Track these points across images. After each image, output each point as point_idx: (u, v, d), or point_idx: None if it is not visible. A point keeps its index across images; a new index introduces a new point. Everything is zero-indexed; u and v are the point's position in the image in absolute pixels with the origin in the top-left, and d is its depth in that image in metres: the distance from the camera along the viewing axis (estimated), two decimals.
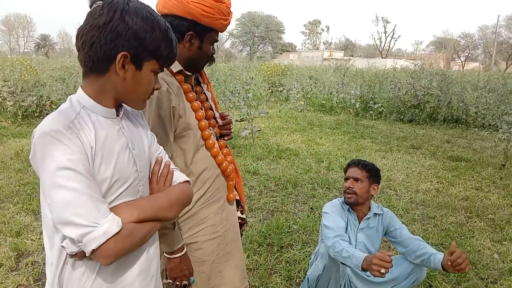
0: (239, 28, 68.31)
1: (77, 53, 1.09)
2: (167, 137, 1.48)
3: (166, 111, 1.45)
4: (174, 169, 1.25)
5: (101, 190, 1.03)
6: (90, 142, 1.01)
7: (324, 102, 12.61)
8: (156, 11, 1.60)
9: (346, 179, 2.54)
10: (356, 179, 2.48)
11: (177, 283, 1.50)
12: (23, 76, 9.92)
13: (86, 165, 0.99)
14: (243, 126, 7.70)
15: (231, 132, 1.86)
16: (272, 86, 15.56)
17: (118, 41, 1.02)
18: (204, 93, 1.69)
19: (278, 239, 3.63)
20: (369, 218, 2.53)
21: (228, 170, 1.70)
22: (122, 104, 1.16)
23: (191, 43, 1.53)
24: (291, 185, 5.12)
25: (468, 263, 2.11)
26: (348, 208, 2.52)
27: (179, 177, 1.24)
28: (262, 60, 30.07)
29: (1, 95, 9.42)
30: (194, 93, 1.60)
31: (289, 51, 64.77)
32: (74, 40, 1.09)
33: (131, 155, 1.12)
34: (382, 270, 1.91)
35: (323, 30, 72.57)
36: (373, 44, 66.14)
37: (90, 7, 1.05)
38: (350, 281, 2.50)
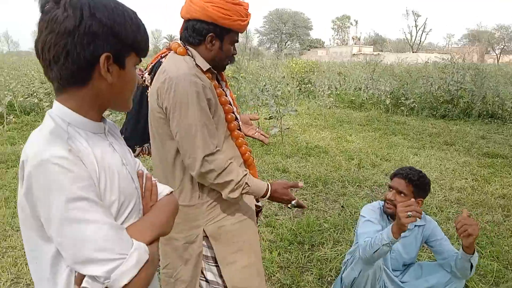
0: (266, 26, 68.27)
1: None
2: (214, 126, 1.62)
3: (205, 103, 1.57)
4: (155, 181, 1.16)
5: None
6: (93, 165, 0.90)
7: (353, 98, 12.45)
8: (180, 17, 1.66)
9: (390, 187, 2.39)
10: (400, 192, 2.33)
11: (288, 206, 1.79)
12: None
13: (96, 191, 0.89)
14: (272, 124, 7.71)
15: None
16: (300, 83, 15.48)
17: (97, 43, 0.89)
18: (223, 90, 1.80)
19: (309, 237, 3.62)
20: (409, 229, 2.42)
21: (250, 159, 1.83)
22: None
23: (212, 44, 1.64)
24: (321, 183, 5.09)
25: (476, 228, 2.01)
26: (388, 216, 2.44)
27: (163, 189, 1.16)
28: (289, 57, 29.95)
29: (38, 96, 9.78)
30: (221, 89, 1.72)
31: (317, 47, 64.27)
32: None
33: (127, 171, 1.03)
34: (409, 213, 1.91)
35: (351, 25, 71.61)
36: (403, 39, 64.79)
37: (42, 10, 0.89)
38: (385, 286, 2.46)
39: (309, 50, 61.82)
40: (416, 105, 10.67)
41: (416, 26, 59.91)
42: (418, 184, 2.33)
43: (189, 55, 1.64)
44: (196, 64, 1.62)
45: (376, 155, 6.42)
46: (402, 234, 2.41)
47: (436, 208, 4.35)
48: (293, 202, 1.77)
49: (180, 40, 1.70)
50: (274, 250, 3.38)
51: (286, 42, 68.94)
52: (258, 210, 2.00)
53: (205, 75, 1.64)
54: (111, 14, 0.91)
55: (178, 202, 1.20)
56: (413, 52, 48.03)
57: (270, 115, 7.39)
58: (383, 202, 2.47)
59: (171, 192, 1.17)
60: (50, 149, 0.84)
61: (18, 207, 0.92)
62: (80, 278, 0.88)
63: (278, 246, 3.45)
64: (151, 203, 1.09)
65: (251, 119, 2.08)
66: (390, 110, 11.01)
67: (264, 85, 8.42)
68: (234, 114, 1.77)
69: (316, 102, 12.43)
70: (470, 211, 4.28)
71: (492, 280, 2.99)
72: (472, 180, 5.34)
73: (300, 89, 14.69)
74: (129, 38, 0.94)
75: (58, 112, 0.93)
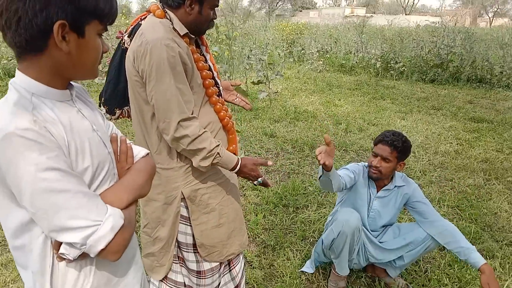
0: None
1: None
2: (190, 92, 1.61)
3: (181, 67, 1.56)
4: (130, 143, 1.16)
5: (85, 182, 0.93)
6: (61, 134, 0.88)
7: (343, 62, 12.35)
8: None
9: (374, 155, 2.41)
10: (385, 159, 2.37)
11: (254, 183, 1.83)
12: None
13: (67, 161, 0.87)
14: (260, 89, 7.66)
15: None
16: (290, 46, 15.26)
17: (50, 9, 0.84)
18: (203, 55, 1.78)
19: (294, 200, 3.69)
20: (389, 189, 2.48)
21: (229, 125, 1.85)
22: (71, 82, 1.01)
23: (191, 8, 1.60)
24: (308, 147, 5.13)
25: None
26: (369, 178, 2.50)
27: (139, 151, 1.15)
28: (280, 19, 29.32)
29: None
30: (199, 54, 1.70)
31: (309, 9, 62.92)
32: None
33: (98, 137, 1.02)
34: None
35: None
36: (396, 0, 63.70)
37: None
38: (365, 247, 2.53)
39: (301, 11, 60.47)
40: (406, 69, 10.64)
41: None
42: (402, 149, 2.38)
43: (167, 18, 1.60)
44: (173, 28, 1.58)
45: (363, 120, 6.45)
46: (381, 194, 2.49)
47: (420, 172, 4.44)
48: (259, 179, 1.82)
49: (160, 2, 1.65)
50: (259, 212, 3.44)
51: (278, 2, 67.41)
52: None
53: (182, 39, 1.61)
54: None
55: (155, 164, 1.20)
56: (406, 14, 47.34)
57: (258, 79, 7.32)
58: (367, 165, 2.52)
59: (147, 154, 1.17)
60: (15, 122, 0.81)
61: None
62: (57, 243, 0.90)
63: (263, 209, 3.52)
64: (127, 166, 1.09)
65: (232, 85, 2.07)
66: (380, 74, 10.98)
67: (250, 50, 8.27)
68: (213, 79, 1.76)
69: (306, 66, 12.32)
70: (452, 175, 4.38)
71: (469, 240, 3.08)
72: (457, 144, 5.42)
73: (291, 52, 14.51)
74: (90, 4, 0.88)
75: (21, 82, 0.90)
